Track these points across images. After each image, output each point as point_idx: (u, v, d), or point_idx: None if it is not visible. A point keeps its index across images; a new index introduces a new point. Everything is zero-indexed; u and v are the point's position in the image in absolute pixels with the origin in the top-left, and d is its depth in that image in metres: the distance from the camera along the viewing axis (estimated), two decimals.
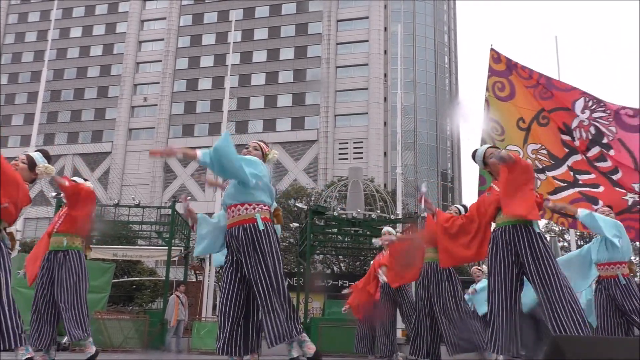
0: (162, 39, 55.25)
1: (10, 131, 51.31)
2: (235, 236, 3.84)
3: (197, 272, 22.14)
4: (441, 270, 5.70)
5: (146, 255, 18.46)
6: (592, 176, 6.88)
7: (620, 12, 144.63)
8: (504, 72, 7.25)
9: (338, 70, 51.02)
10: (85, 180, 5.68)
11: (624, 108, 7.09)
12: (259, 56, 52.74)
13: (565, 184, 6.98)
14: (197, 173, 43.06)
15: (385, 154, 48.34)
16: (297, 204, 24.65)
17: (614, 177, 6.74)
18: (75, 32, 57.18)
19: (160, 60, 54.55)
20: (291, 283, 17.03)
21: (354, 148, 48.57)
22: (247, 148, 4.20)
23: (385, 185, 43.19)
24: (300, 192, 32.66)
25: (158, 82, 53.95)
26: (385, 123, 49.43)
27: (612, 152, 6.79)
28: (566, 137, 7.01)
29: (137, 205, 16.57)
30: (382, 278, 7.02)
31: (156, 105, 53.19)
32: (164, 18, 55.97)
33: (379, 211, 22.80)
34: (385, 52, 51.85)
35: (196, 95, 53.03)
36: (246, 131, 48.55)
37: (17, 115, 54.10)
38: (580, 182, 6.93)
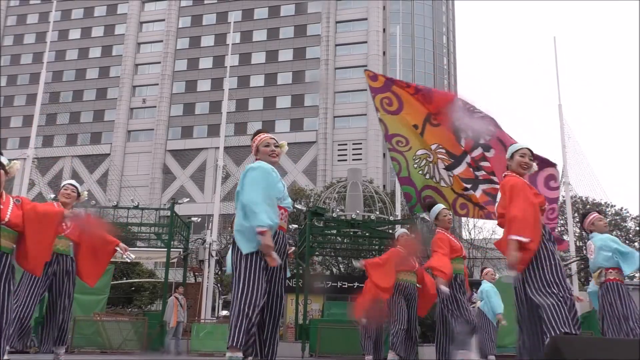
0: (161, 41, 55.25)
1: (9, 133, 51.25)
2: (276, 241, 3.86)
3: (196, 273, 22.13)
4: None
5: (145, 257, 18.42)
6: (484, 172, 7.01)
7: (619, 13, 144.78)
8: (385, 86, 7.34)
9: (337, 72, 51.05)
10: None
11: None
12: (258, 58, 52.76)
13: (470, 184, 7.07)
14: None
15: (384, 155, 48.34)
16: (296, 206, 24.59)
17: (494, 179, 6.89)
18: (74, 34, 57.17)
19: (159, 62, 54.55)
20: (290, 284, 17.00)
21: (353, 149, 48.59)
22: (271, 147, 4.12)
23: (384, 186, 43.20)
24: (299, 193, 32.65)
25: (157, 84, 53.95)
26: None
27: (491, 153, 6.85)
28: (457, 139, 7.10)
29: (136, 207, 16.55)
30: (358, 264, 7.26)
31: (155, 106, 53.18)
32: (163, 20, 55.98)
33: (378, 212, 22.80)
34: (384, 53, 51.88)
35: (195, 97, 53.02)
36: (245, 133, 48.52)
37: (15, 117, 54.07)
38: (480, 178, 7.03)
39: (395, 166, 7.28)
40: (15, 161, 4.89)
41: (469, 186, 7.08)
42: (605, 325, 5.72)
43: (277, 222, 3.78)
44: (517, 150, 4.49)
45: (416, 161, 7.20)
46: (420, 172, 7.20)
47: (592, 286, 6.88)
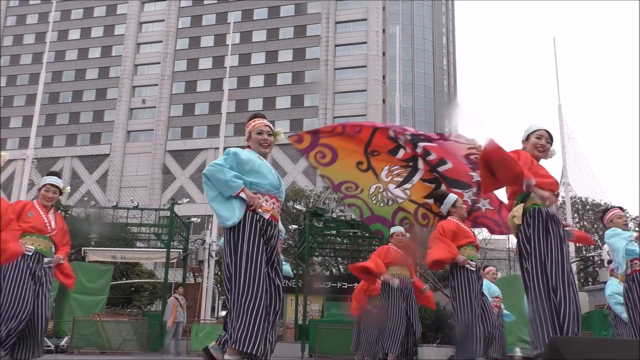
0: (161, 41, 55.25)
1: (8, 133, 51.23)
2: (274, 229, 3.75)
3: (196, 274, 22.12)
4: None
5: (145, 257, 18.43)
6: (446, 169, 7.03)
7: (619, 13, 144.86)
8: (312, 144, 7.16)
9: (336, 72, 51.05)
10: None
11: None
12: (258, 58, 52.77)
13: (434, 184, 7.02)
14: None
15: None
16: (295, 206, 24.63)
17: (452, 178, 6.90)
18: (74, 34, 57.16)
19: (159, 62, 54.56)
20: (290, 285, 17.01)
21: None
22: (263, 136, 3.98)
23: None
24: (299, 194, 32.65)
25: (157, 84, 53.94)
26: None
27: (432, 156, 6.85)
28: (400, 154, 7.03)
29: (136, 207, 16.58)
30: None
31: (155, 107, 53.18)
32: (163, 20, 55.97)
33: None
34: (383, 54, 51.89)
35: (195, 98, 53.02)
36: (245, 133, 48.44)
37: (15, 117, 54.05)
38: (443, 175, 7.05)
39: (356, 211, 7.18)
40: (4, 152, 4.79)
41: (434, 185, 7.02)
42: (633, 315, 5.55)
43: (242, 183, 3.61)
44: (533, 132, 4.26)
45: (373, 199, 7.14)
46: (382, 204, 7.17)
47: (613, 287, 6.78)
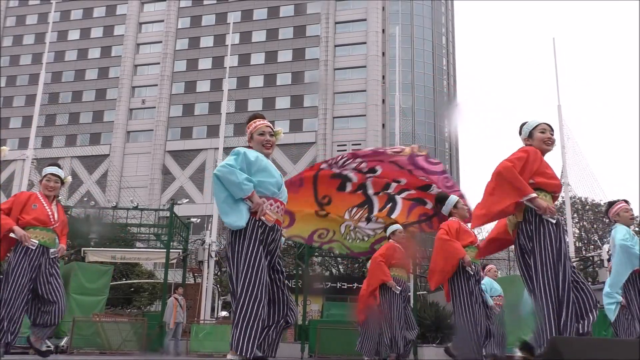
0: (160, 42, 55.24)
1: (8, 134, 51.20)
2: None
3: (196, 274, 22.11)
4: None
5: (144, 257, 18.42)
6: (394, 185, 7.06)
7: (619, 13, 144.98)
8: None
9: (336, 72, 51.05)
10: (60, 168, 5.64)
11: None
12: (257, 58, 52.77)
13: (390, 203, 7.08)
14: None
15: None
16: None
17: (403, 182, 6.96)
18: (73, 35, 57.15)
19: (159, 63, 54.56)
20: (290, 285, 17.01)
21: (353, 150, 48.56)
22: (266, 137, 3.99)
23: None
24: None
25: (156, 85, 53.93)
26: (383, 125, 49.48)
27: (379, 171, 6.92)
28: (348, 189, 7.01)
29: (136, 208, 16.57)
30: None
31: (154, 107, 53.18)
32: (162, 20, 55.96)
33: None
34: (383, 54, 51.89)
35: (194, 98, 53.02)
36: (244, 134, 48.27)
37: (15, 117, 54.05)
38: (392, 193, 7.07)
39: (342, 249, 7.23)
40: (4, 147, 4.82)
41: (390, 204, 7.07)
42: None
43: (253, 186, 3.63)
44: (535, 127, 4.21)
45: (347, 237, 7.15)
46: (358, 240, 7.21)
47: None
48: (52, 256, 5.27)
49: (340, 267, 28.04)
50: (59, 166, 5.61)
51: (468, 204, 6.09)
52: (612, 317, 5.95)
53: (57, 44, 53.90)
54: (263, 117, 4.09)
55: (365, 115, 48.81)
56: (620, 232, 5.60)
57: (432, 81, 68.31)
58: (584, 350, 2.46)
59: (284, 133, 4.20)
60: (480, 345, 5.37)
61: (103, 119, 54.24)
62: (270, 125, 4.04)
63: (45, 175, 5.44)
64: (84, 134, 53.40)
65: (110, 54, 56.12)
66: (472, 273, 5.52)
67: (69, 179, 5.61)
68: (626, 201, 5.92)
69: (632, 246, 5.50)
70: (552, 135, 4.22)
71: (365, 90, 49.84)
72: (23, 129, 47.59)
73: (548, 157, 4.27)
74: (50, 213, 5.33)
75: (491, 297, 7.89)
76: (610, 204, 6.00)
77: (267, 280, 3.58)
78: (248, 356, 3.37)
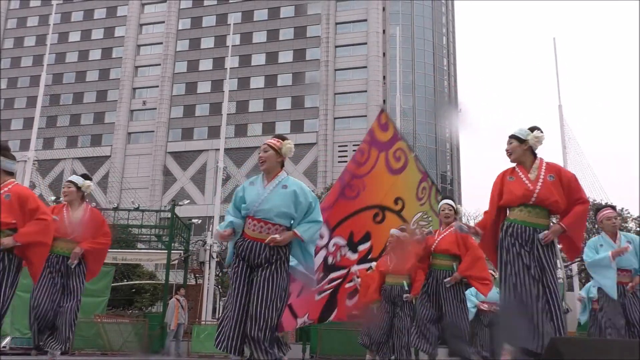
0: (161, 43, 55.27)
1: (9, 135, 51.25)
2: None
3: (197, 275, 22.12)
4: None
5: (146, 258, 18.44)
6: None
7: (619, 13, 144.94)
8: (392, 139, 7.18)
9: (337, 73, 51.04)
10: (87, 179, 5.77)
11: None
12: (258, 59, 52.78)
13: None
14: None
15: None
16: None
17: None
18: (74, 37, 57.21)
19: (159, 64, 54.58)
20: None
21: (354, 151, 48.39)
22: (260, 154, 4.31)
23: None
24: None
25: (157, 86, 53.96)
26: None
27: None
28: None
29: (137, 209, 16.60)
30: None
31: (155, 108, 53.21)
32: (163, 22, 56.00)
33: None
34: (383, 54, 51.89)
35: (195, 99, 53.04)
36: (245, 134, 48.53)
37: (16, 119, 54.10)
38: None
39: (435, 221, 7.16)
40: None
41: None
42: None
43: (234, 224, 4.14)
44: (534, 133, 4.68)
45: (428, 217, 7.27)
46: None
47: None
48: (71, 266, 5.45)
49: None
50: (85, 177, 5.86)
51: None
52: (582, 319, 6.18)
53: (58, 46, 53.94)
54: (278, 137, 4.33)
55: (366, 116, 48.77)
56: (585, 251, 5.77)
57: (432, 81, 68.24)
58: (584, 350, 2.47)
59: (284, 133, 4.36)
60: (469, 341, 5.71)
61: (104, 120, 54.28)
62: (269, 142, 4.29)
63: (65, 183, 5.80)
64: (85, 135, 53.44)
65: (111, 55, 56.17)
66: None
67: (87, 183, 5.76)
68: (612, 207, 5.96)
69: (592, 257, 5.65)
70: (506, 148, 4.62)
71: (365, 91, 49.83)
72: (24, 131, 47.67)
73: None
74: (67, 223, 5.55)
75: (481, 302, 7.94)
76: (597, 209, 6.08)
77: (246, 288, 4.06)
78: (217, 346, 4.08)
